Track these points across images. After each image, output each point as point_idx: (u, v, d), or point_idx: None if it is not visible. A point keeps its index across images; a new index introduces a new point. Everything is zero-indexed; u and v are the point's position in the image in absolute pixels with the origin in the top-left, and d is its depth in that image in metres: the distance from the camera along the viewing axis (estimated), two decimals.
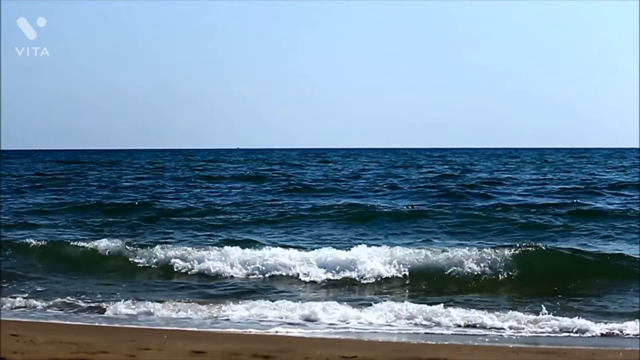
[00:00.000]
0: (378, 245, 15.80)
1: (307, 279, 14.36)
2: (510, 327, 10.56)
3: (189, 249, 16.14)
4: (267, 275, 14.65)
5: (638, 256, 15.16)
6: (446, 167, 56.22)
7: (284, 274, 14.65)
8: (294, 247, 16.28)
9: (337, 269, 14.58)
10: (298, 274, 14.51)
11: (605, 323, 10.50)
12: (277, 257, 15.14)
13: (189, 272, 15.01)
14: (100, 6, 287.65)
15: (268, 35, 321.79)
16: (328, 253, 15.16)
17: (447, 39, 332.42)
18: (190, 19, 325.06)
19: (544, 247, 15.58)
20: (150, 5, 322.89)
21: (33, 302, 12.08)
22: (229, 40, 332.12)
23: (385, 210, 22.99)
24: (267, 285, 14.07)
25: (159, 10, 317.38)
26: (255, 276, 14.66)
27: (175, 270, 15.19)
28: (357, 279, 14.32)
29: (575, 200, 25.08)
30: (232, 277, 14.63)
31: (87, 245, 16.84)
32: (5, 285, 13.59)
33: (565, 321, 10.59)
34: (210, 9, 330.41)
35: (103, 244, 16.71)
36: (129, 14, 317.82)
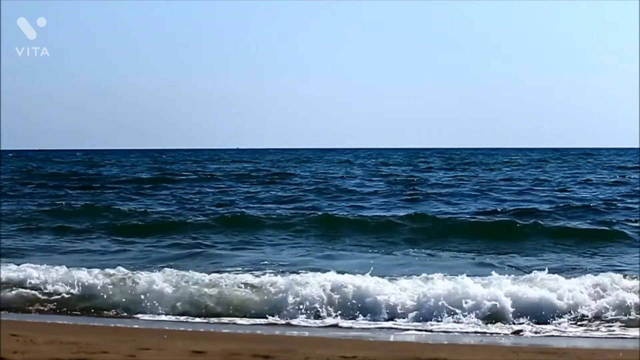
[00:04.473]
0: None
1: None
2: None
3: None
4: None
5: None
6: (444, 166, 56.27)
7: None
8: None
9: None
10: None
11: None
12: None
13: None
14: (100, 6, 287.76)
15: (268, 35, 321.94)
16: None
17: (447, 38, 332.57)
18: (190, 19, 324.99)
19: None
20: (150, 5, 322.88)
21: None
22: (228, 40, 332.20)
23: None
24: None
25: (159, 10, 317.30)
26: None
27: None
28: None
29: None
30: None
31: None
32: None
33: None
34: (210, 9, 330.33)
35: None
36: (129, 14, 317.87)
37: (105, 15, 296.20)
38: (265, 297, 11.71)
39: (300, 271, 13.88)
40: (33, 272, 12.87)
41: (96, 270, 12.98)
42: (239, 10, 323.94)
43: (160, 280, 12.31)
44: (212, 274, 12.77)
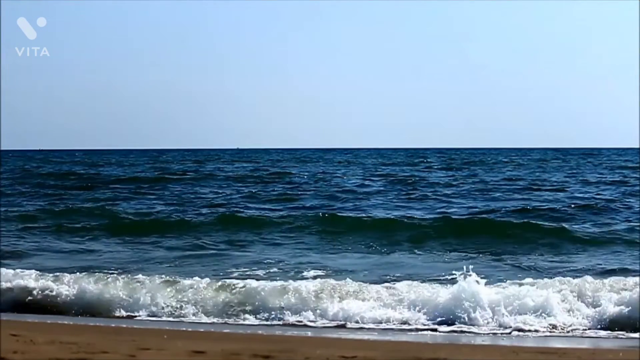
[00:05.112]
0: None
1: None
2: None
3: None
4: None
5: None
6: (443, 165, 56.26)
7: None
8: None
9: None
10: None
11: None
12: None
13: None
14: (100, 6, 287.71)
15: (268, 35, 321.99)
16: None
17: (447, 38, 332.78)
18: (190, 19, 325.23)
19: None
20: (150, 5, 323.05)
21: None
22: (228, 40, 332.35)
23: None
24: None
25: (159, 10, 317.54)
26: None
27: None
28: None
29: None
30: None
31: None
32: None
33: None
34: (210, 9, 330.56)
35: None
36: (129, 14, 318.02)
37: (105, 15, 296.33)
38: (256, 302, 11.63)
39: (298, 271, 13.95)
40: (30, 274, 12.89)
41: (90, 273, 13.03)
42: (238, 11, 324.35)
43: (154, 284, 12.29)
44: (206, 278, 12.76)
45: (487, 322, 10.70)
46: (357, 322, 10.95)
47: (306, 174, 46.31)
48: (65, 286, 12.35)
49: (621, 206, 24.21)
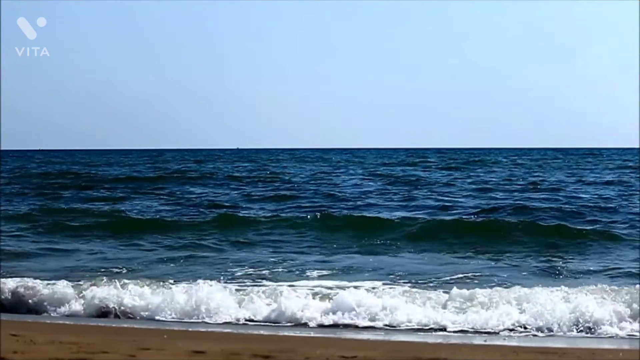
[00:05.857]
0: None
1: None
2: None
3: None
4: None
5: None
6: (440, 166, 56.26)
7: None
8: None
9: None
10: None
11: None
12: None
13: None
14: (100, 6, 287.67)
15: (268, 35, 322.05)
16: None
17: (447, 38, 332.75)
18: (190, 19, 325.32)
19: None
20: (150, 5, 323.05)
21: None
22: (228, 40, 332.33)
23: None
24: None
25: (159, 10, 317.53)
26: None
27: None
28: None
29: None
30: None
31: None
32: None
33: None
34: (210, 9, 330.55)
35: None
36: (129, 14, 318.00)
37: (105, 15, 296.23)
38: (257, 302, 11.56)
39: (300, 271, 13.94)
40: (26, 275, 12.85)
41: (88, 273, 12.99)
42: (239, 10, 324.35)
43: (153, 284, 12.24)
44: (207, 278, 12.71)
45: (486, 322, 10.65)
46: (357, 322, 10.90)
47: (306, 173, 46.32)
48: (62, 287, 12.27)
49: (621, 206, 24.21)
